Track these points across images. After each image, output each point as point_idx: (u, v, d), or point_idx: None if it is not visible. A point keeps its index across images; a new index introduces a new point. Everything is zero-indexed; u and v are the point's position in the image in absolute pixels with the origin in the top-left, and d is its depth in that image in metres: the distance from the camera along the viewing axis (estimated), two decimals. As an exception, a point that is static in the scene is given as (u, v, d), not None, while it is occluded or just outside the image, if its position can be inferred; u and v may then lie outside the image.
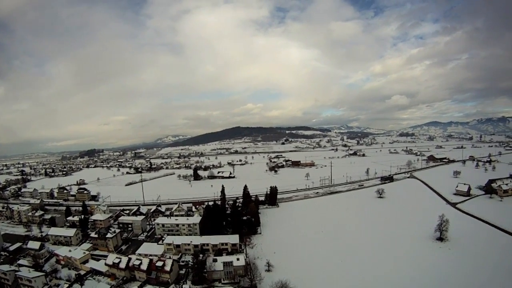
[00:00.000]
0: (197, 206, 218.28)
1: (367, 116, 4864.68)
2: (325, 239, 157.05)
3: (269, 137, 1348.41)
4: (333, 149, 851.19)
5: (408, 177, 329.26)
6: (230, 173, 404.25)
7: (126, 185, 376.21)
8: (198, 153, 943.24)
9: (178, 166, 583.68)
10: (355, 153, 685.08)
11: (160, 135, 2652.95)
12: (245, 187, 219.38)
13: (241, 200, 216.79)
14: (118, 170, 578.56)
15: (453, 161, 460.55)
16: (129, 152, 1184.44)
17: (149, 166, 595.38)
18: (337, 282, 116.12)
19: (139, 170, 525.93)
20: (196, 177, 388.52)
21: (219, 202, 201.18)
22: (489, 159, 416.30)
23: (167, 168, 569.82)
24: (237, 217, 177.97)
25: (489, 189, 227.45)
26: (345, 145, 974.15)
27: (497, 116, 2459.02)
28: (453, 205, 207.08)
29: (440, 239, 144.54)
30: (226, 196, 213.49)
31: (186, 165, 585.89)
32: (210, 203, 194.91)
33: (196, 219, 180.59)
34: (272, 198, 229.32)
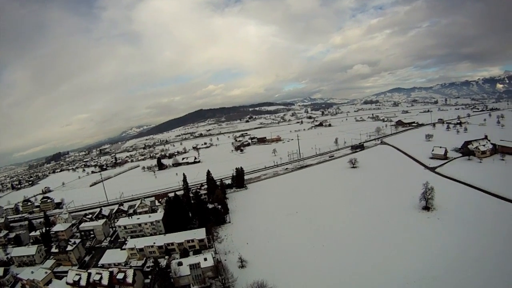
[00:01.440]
0: (160, 200, 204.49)
1: (329, 87, 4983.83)
2: (301, 221, 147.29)
3: (233, 116, 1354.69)
4: (298, 122, 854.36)
5: (380, 144, 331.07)
6: (195, 158, 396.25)
7: (90, 185, 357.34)
8: (163, 141, 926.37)
9: (143, 157, 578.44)
10: (321, 124, 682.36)
11: (124, 128, 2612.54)
12: (208, 172, 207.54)
13: (206, 186, 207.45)
14: (83, 170, 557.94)
15: (422, 124, 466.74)
16: (95, 150, 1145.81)
17: (114, 161, 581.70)
18: (322, 272, 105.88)
19: (104, 167, 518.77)
20: (161, 166, 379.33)
21: (182, 192, 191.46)
22: (459, 121, 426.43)
23: (131, 161, 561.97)
24: (202, 207, 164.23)
25: (466, 151, 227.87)
26: (310, 117, 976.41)
27: (460, 80, 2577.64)
28: (432, 169, 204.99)
29: (426, 208, 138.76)
30: (191, 184, 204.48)
31: (151, 155, 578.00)
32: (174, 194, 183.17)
33: (159, 215, 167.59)
34: (239, 180, 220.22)
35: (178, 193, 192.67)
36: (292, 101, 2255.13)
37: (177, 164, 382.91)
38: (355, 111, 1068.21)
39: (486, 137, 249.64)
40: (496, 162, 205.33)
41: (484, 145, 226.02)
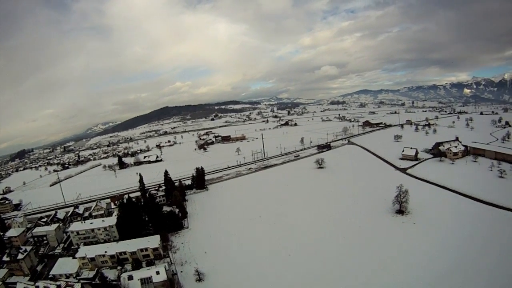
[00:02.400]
0: (116, 202, 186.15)
1: (296, 87, 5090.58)
2: (265, 227, 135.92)
3: (198, 114, 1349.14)
4: (264, 121, 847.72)
5: (347, 144, 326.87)
6: (157, 157, 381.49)
7: (50, 185, 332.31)
8: (127, 138, 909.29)
9: (105, 155, 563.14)
10: (286, 123, 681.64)
11: (90, 125, 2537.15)
12: (166, 172, 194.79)
13: (164, 188, 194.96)
14: (46, 169, 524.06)
15: (390, 125, 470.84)
16: (59, 147, 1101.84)
17: (77, 159, 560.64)
18: (288, 286, 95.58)
19: (66, 165, 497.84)
20: (122, 165, 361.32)
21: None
22: (427, 123, 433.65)
23: (94, 159, 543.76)
24: (156, 211, 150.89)
25: (437, 152, 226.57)
26: (275, 116, 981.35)
27: (428, 84, 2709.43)
28: (403, 170, 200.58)
29: (400, 212, 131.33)
30: (150, 184, 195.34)
31: (114, 153, 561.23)
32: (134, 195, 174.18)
33: (112, 219, 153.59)
34: (199, 181, 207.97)
35: (136, 194, 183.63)
36: (259, 100, 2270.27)
37: (138, 163, 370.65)
38: (321, 111, 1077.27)
39: (457, 139, 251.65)
40: (469, 164, 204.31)
41: (456, 147, 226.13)
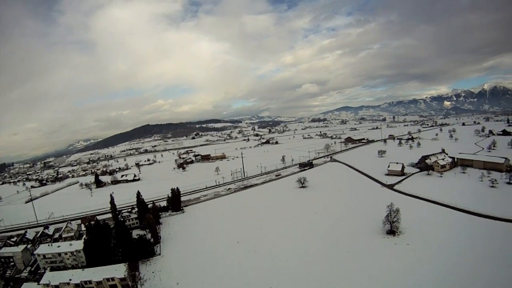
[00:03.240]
0: (87, 224, 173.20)
1: (277, 105, 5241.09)
2: (244, 253, 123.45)
3: (180, 132, 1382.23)
4: (245, 140, 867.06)
5: (329, 161, 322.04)
6: (135, 176, 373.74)
7: (26, 202, 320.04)
8: (107, 156, 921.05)
9: (84, 173, 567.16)
10: (267, 142, 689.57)
11: (71, 141, 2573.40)
12: (138, 194, 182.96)
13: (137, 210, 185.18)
14: (24, 184, 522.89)
15: (373, 141, 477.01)
16: (39, 162, 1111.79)
17: (55, 176, 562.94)
18: None
19: (44, 182, 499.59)
20: (98, 184, 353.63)
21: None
22: (410, 137, 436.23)
23: (72, 176, 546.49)
24: (126, 235, 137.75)
25: (424, 165, 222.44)
26: (256, 135, 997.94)
27: (408, 98, 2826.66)
28: (390, 187, 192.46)
29: (392, 232, 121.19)
30: (125, 205, 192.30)
31: (93, 171, 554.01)
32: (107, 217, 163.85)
33: (80, 243, 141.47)
34: (175, 202, 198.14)
35: (109, 216, 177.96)
36: (240, 119, 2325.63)
37: (116, 182, 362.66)
38: (302, 129, 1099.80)
39: (443, 151, 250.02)
40: (458, 176, 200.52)
41: (443, 159, 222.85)
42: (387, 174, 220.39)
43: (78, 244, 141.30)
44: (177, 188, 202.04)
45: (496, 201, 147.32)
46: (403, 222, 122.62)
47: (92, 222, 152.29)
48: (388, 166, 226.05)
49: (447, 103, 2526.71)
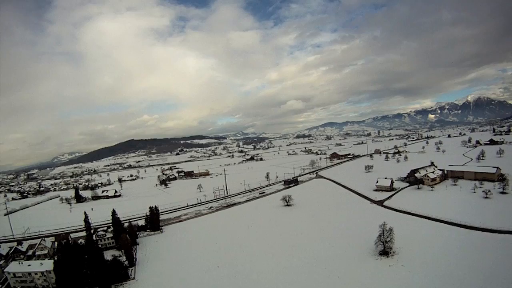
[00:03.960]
0: (58, 243, 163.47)
1: (262, 121, 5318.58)
2: (224, 280, 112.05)
3: (164, 148, 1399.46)
4: (229, 156, 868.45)
5: (315, 178, 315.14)
6: (116, 192, 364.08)
7: (5, 214, 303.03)
8: (91, 170, 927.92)
9: (66, 187, 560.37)
10: (252, 158, 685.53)
11: (56, 153, 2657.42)
12: (114, 212, 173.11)
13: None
14: (5, 196, 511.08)
15: (359, 156, 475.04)
16: (23, 174, 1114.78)
17: (37, 188, 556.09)
18: None
19: (25, 194, 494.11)
20: (79, 199, 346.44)
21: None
22: (397, 150, 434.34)
23: (54, 190, 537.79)
24: (97, 257, 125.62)
25: (413, 179, 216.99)
26: (241, 151, 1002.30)
27: (393, 113, 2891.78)
28: (380, 203, 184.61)
29: (385, 253, 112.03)
30: (103, 223, 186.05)
31: (75, 185, 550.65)
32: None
33: (51, 263, 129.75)
34: (153, 221, 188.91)
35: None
36: (225, 135, 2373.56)
37: (96, 197, 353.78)
38: (287, 145, 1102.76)
39: (432, 164, 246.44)
40: (449, 188, 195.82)
41: (433, 172, 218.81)
42: (376, 190, 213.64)
43: (49, 264, 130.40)
44: (155, 206, 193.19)
45: (492, 212, 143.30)
46: (396, 241, 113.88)
47: (64, 241, 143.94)
48: (377, 182, 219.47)
49: (431, 116, 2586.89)
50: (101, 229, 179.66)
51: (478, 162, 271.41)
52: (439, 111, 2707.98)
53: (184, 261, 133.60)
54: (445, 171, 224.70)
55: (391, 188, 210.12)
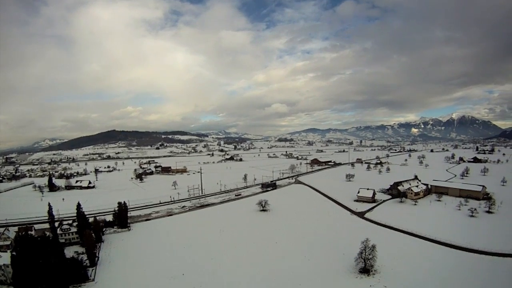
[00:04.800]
0: (17, 234, 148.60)
1: (245, 122, 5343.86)
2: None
3: (145, 141, 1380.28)
4: (209, 154, 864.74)
5: (294, 183, 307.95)
6: (90, 183, 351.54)
7: None
8: (69, 158, 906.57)
9: (42, 173, 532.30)
10: (232, 158, 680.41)
11: (37, 138, 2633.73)
12: (78, 205, 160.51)
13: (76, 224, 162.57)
14: None
15: (340, 164, 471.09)
16: (1, 157, 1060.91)
17: (13, 173, 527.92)
18: None
19: (0, 179, 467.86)
20: (52, 187, 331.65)
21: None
22: (379, 161, 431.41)
23: (30, 176, 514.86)
24: (56, 254, 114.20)
25: (396, 192, 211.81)
26: (221, 150, 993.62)
27: (376, 124, 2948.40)
28: (360, 215, 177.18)
29: (365, 271, 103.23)
30: (70, 215, 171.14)
31: (51, 172, 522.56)
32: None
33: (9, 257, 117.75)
34: (121, 218, 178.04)
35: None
36: (207, 133, 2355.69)
37: (70, 187, 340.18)
38: (268, 147, 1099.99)
39: (416, 177, 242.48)
40: (433, 204, 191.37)
41: (417, 186, 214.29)
42: (357, 200, 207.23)
43: (7, 258, 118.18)
44: (124, 202, 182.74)
45: (478, 232, 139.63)
46: (378, 258, 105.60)
47: (23, 233, 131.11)
48: (358, 192, 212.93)
49: (414, 130, 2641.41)
50: (66, 222, 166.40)
51: (462, 178, 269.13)
52: (422, 126, 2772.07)
53: (148, 264, 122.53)
54: (429, 186, 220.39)
55: (372, 200, 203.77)
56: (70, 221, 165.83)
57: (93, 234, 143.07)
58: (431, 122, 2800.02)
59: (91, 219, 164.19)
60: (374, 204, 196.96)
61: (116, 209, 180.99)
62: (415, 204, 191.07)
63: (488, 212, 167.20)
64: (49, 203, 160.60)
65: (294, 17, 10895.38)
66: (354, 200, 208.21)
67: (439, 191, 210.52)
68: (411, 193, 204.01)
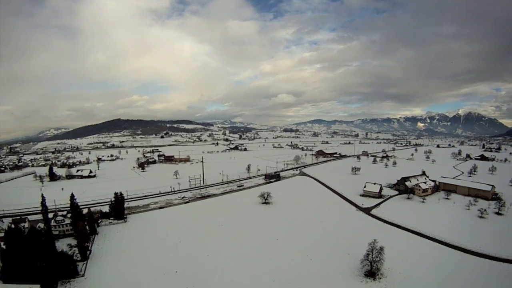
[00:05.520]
0: (8, 226, 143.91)
1: (251, 112, 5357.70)
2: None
3: (150, 130, 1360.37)
4: (214, 143, 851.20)
5: (298, 174, 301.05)
6: (91, 172, 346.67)
7: None
8: (73, 147, 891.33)
9: (45, 163, 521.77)
10: (236, 148, 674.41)
11: (43, 128, 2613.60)
12: (72, 196, 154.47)
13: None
14: None
15: (345, 156, 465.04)
16: (5, 147, 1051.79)
17: (16, 163, 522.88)
18: None
19: (2, 169, 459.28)
20: (52, 177, 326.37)
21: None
22: (385, 155, 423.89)
23: (33, 165, 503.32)
24: (44, 246, 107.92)
25: (404, 188, 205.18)
26: (226, 139, 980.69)
27: (382, 117, 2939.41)
28: (367, 211, 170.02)
29: (372, 274, 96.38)
30: (66, 206, 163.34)
31: (54, 161, 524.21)
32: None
33: None
34: (118, 209, 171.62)
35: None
36: (212, 122, 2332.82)
37: (70, 176, 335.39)
38: (273, 137, 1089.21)
39: (424, 173, 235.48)
40: (442, 202, 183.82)
41: (425, 182, 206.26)
42: (363, 195, 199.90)
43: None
44: (120, 193, 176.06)
45: (488, 235, 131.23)
46: (385, 260, 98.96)
47: (13, 225, 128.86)
48: (364, 186, 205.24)
49: (420, 125, 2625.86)
50: (61, 213, 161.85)
51: (470, 176, 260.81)
52: (428, 120, 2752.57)
53: (141, 259, 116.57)
54: (437, 183, 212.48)
55: (379, 195, 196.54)
56: (65, 212, 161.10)
57: (87, 226, 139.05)
58: (437, 117, 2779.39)
59: (86, 210, 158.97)
60: (380, 200, 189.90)
61: (113, 199, 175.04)
62: (423, 202, 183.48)
63: (498, 213, 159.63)
64: (42, 194, 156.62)
65: (301, 7, 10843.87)
66: (360, 195, 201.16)
67: (447, 189, 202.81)
68: (419, 190, 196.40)
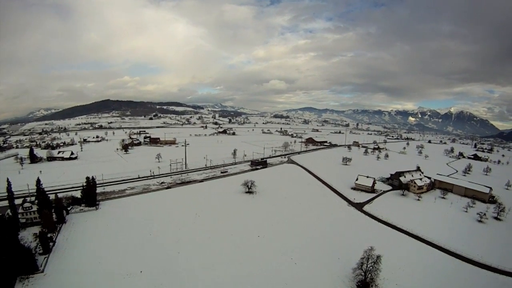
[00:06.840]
0: None
1: (243, 96, 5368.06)
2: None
3: (139, 111, 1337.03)
4: (202, 126, 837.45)
5: (286, 162, 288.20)
6: (72, 153, 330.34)
7: None
8: (61, 128, 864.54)
9: (29, 144, 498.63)
10: (224, 131, 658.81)
11: (32, 109, 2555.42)
12: (38, 181, 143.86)
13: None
14: None
15: (336, 145, 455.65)
16: None
17: (0, 145, 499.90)
18: None
19: None
20: (33, 159, 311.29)
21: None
22: (377, 146, 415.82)
23: (17, 147, 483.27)
24: (6, 238, 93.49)
25: (398, 183, 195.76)
26: (216, 123, 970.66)
27: (373, 109, 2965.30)
28: (359, 207, 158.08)
29: (365, 285, 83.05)
30: (48, 189, 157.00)
31: (38, 143, 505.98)
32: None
33: None
34: (89, 195, 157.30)
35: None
36: (203, 105, 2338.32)
37: (51, 158, 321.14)
38: (263, 123, 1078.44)
39: (419, 169, 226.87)
40: (438, 201, 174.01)
41: (420, 179, 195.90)
42: (354, 189, 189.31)
43: None
44: (92, 177, 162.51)
45: (488, 242, 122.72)
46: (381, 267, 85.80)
47: None
48: (356, 179, 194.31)
49: (412, 119, 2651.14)
50: (29, 199, 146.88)
51: (465, 175, 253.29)
52: (420, 116, 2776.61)
53: (106, 255, 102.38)
54: (433, 180, 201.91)
55: (372, 189, 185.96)
56: (33, 199, 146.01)
57: (53, 214, 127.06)
58: (428, 113, 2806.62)
59: (54, 196, 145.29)
60: (373, 195, 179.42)
61: (84, 184, 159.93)
62: (419, 200, 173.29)
63: (497, 218, 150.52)
64: (7, 179, 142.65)
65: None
66: (352, 188, 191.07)
67: (443, 187, 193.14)
68: (414, 186, 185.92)
